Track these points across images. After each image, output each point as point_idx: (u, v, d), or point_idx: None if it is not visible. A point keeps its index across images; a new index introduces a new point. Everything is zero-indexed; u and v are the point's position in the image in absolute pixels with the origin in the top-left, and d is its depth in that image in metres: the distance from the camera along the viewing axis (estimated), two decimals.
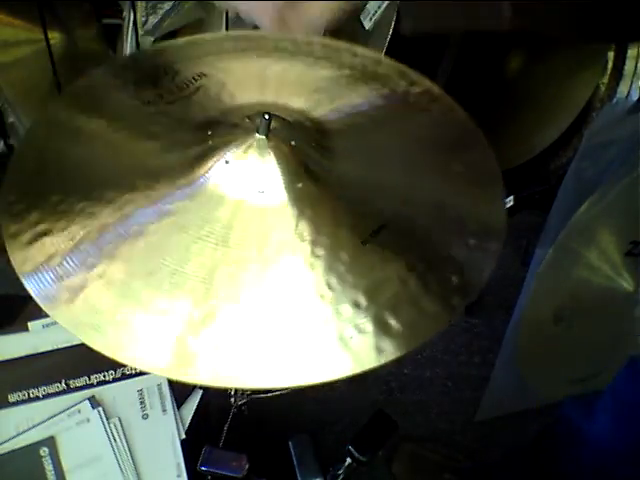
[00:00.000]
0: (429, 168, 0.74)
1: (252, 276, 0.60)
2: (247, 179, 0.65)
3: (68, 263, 0.58)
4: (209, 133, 0.68)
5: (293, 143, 0.68)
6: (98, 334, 0.55)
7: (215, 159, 0.66)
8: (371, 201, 0.68)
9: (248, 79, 0.78)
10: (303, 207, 0.64)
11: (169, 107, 0.74)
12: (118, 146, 0.70)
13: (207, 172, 0.65)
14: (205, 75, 0.77)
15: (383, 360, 0.56)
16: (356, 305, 0.59)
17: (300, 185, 0.65)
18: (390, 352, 0.56)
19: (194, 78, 0.77)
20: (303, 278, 0.60)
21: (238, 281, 0.59)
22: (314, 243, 0.62)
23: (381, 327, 0.58)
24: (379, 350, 0.56)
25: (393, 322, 0.58)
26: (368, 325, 0.58)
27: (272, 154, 0.66)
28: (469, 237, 0.66)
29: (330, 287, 0.59)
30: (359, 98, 0.78)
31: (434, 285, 0.62)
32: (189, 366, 0.54)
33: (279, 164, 0.66)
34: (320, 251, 0.61)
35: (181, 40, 0.84)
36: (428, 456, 1.33)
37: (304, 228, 0.63)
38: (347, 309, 0.58)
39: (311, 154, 0.69)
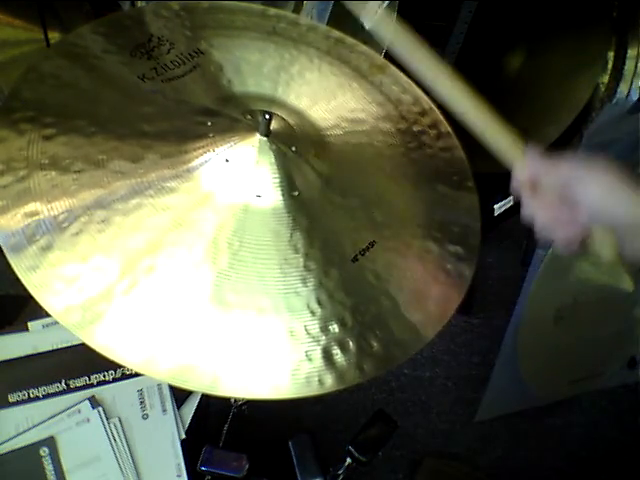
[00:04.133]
0: (416, 185, 0.74)
1: (244, 282, 0.59)
2: (246, 180, 0.65)
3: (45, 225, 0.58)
4: (209, 124, 0.68)
5: (294, 149, 0.68)
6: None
7: (215, 155, 0.65)
8: (363, 215, 0.68)
9: (246, 66, 0.77)
10: (299, 216, 0.64)
11: (165, 86, 0.72)
12: (110, 128, 0.67)
13: (206, 167, 0.64)
14: (202, 53, 0.76)
15: (363, 379, 0.57)
16: (343, 324, 0.59)
17: (297, 193, 0.65)
18: (370, 371, 0.58)
19: (190, 55, 0.75)
20: (296, 291, 0.60)
21: (229, 285, 0.59)
22: (307, 256, 0.62)
23: (363, 346, 0.59)
24: (360, 368, 0.58)
25: (374, 342, 0.59)
26: (352, 344, 0.58)
27: (273, 158, 0.66)
28: (447, 262, 0.67)
29: (320, 303, 0.60)
30: (356, 103, 0.78)
31: (412, 311, 0.63)
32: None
33: (279, 169, 0.65)
34: (312, 265, 0.62)
35: (177, 4, 0.80)
36: (450, 472, 1.34)
37: (298, 239, 0.63)
38: (334, 327, 0.59)
39: (310, 163, 0.69)
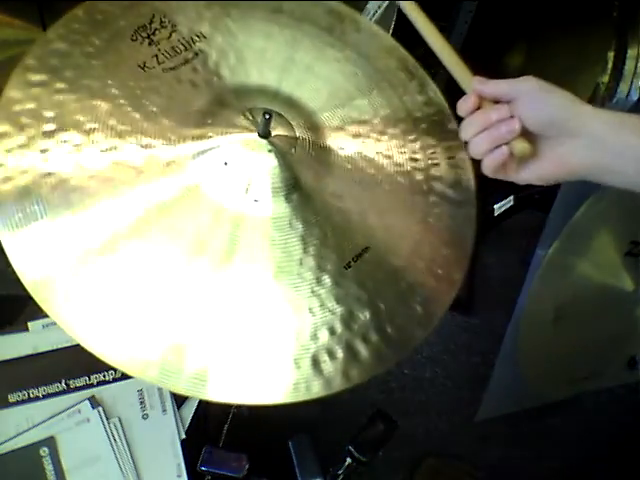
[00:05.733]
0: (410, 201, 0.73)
1: (240, 289, 0.59)
2: (243, 184, 0.64)
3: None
4: (209, 122, 0.67)
5: (293, 151, 0.67)
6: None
7: (214, 157, 0.65)
8: (357, 223, 0.68)
9: (250, 53, 0.74)
10: (295, 221, 0.64)
11: (165, 76, 0.69)
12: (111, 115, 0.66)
13: (204, 170, 0.64)
14: (205, 37, 0.73)
15: (349, 385, 0.58)
16: (332, 331, 0.60)
17: (295, 196, 0.65)
18: (356, 377, 0.59)
19: (192, 39, 0.73)
20: (289, 299, 0.60)
21: (223, 290, 0.59)
22: (301, 262, 0.62)
23: (351, 354, 0.59)
24: (347, 375, 0.58)
25: (362, 349, 0.60)
26: (340, 351, 0.59)
27: (272, 159, 0.65)
28: (437, 267, 0.67)
29: (311, 311, 0.60)
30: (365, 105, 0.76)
31: (400, 315, 0.63)
32: None
33: (278, 171, 0.65)
34: (306, 272, 0.61)
35: None
36: (450, 472, 1.34)
37: (294, 244, 0.62)
38: (324, 334, 0.59)
39: (309, 165, 0.68)
